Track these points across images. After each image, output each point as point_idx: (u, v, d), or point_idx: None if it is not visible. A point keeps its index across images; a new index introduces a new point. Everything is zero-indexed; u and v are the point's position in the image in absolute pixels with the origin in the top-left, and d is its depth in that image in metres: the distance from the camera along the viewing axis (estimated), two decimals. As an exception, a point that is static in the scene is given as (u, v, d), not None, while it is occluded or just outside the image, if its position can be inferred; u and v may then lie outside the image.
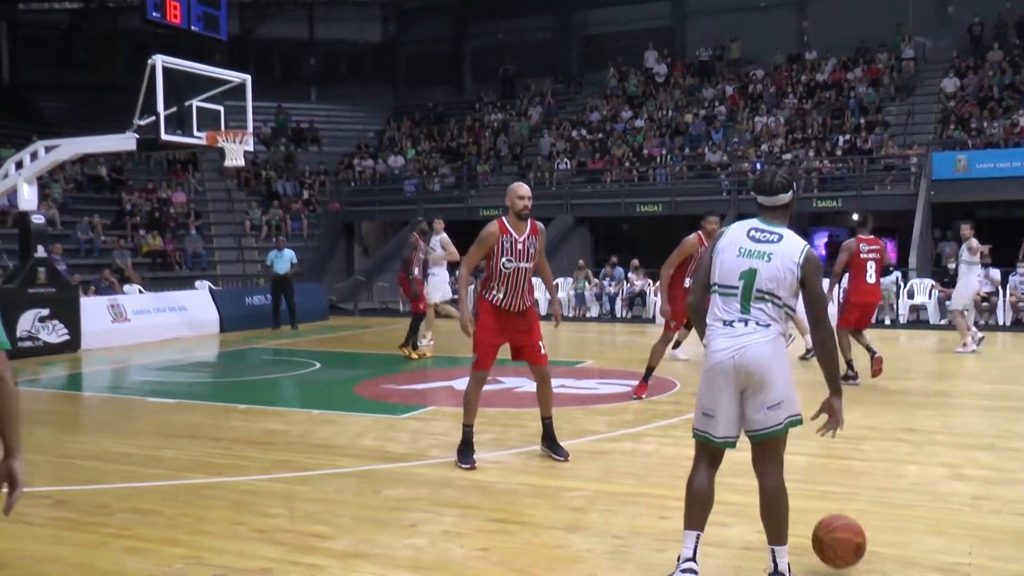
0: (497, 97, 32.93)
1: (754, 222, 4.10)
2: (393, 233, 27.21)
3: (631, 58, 31.51)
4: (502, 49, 34.56)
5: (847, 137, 24.36)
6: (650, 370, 9.25)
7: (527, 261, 6.42)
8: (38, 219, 14.31)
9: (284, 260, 18.28)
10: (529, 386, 8.47)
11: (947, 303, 15.19)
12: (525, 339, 6.51)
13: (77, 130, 18.90)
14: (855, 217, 24.46)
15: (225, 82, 14.16)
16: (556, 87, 32.62)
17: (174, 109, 13.22)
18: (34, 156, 14.06)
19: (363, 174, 29.68)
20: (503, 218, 6.45)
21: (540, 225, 6.57)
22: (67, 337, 14.30)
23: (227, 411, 9.01)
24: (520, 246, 6.39)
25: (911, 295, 18.55)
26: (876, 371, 10.10)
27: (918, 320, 17.87)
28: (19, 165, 14.12)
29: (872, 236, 10.46)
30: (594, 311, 20.69)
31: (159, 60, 12.74)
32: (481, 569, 4.47)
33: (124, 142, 13.69)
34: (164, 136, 12.95)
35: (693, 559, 3.94)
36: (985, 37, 26.78)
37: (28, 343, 13.71)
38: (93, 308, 15.39)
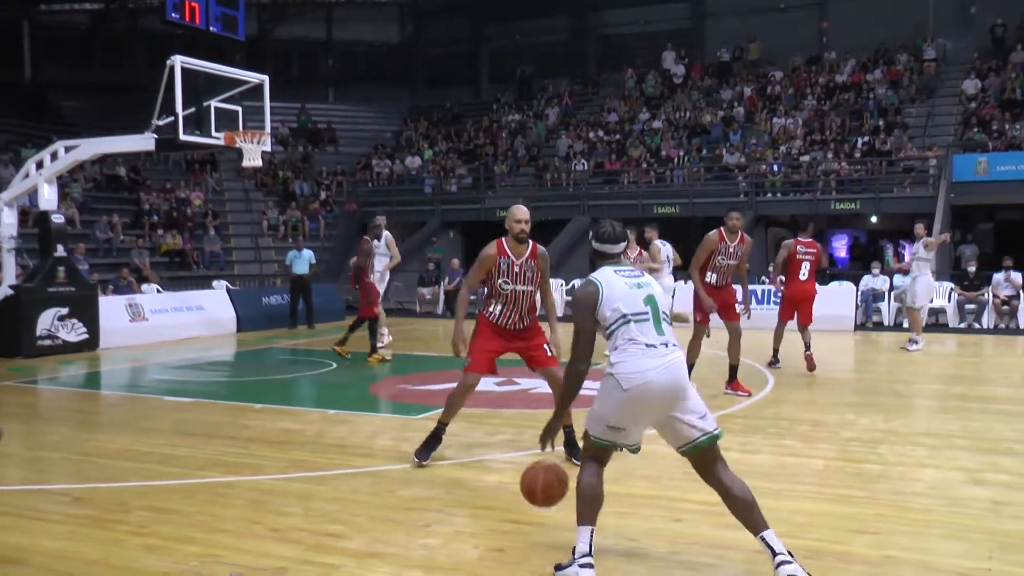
0: (514, 98, 32.90)
1: (613, 267, 4.44)
2: (410, 234, 27.23)
3: (649, 59, 31.40)
4: (519, 50, 34.57)
5: (866, 139, 24.19)
6: (733, 368, 9.58)
7: (525, 284, 6.36)
8: (58, 218, 14.41)
9: (303, 260, 18.35)
10: (544, 388, 8.46)
11: (905, 302, 15.26)
12: (529, 344, 6.49)
13: (97, 130, 19.00)
14: (873, 219, 24.35)
15: (243, 82, 14.20)
16: (573, 88, 32.56)
17: (192, 109, 13.28)
18: (54, 156, 14.18)
19: (380, 175, 29.74)
20: (503, 239, 6.39)
21: (542, 249, 6.47)
22: (86, 336, 14.40)
23: (244, 410, 9.04)
24: (517, 268, 6.32)
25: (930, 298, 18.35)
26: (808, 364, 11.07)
27: (937, 324, 17.67)
28: (39, 165, 14.24)
29: (810, 240, 11.56)
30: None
31: (178, 61, 12.80)
32: (495, 569, 4.47)
33: (143, 142, 13.76)
34: (182, 136, 13.01)
35: (590, 553, 4.19)
36: (1008, 38, 26.49)
37: (47, 342, 13.81)
38: (111, 307, 15.48)
